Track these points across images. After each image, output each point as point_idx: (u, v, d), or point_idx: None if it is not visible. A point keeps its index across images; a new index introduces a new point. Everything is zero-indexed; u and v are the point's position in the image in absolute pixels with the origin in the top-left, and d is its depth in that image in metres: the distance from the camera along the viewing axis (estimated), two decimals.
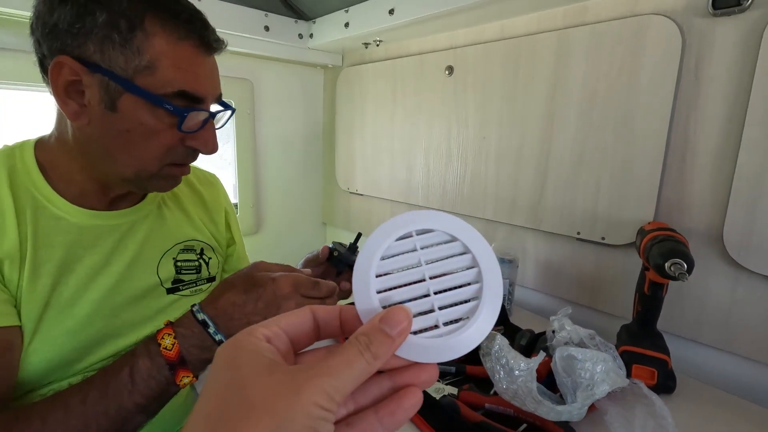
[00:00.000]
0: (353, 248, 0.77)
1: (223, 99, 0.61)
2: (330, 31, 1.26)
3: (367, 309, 0.25)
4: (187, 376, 0.51)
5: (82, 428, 0.46)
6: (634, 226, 0.81)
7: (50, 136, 0.59)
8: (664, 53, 0.76)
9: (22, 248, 0.53)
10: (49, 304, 0.54)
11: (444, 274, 0.27)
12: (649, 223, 0.76)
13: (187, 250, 0.70)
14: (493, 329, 0.75)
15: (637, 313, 0.71)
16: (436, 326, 0.26)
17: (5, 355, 0.50)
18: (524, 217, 1.00)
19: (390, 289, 0.26)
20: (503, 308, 0.90)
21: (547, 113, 0.93)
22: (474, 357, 0.62)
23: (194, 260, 0.70)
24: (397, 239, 0.27)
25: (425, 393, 0.61)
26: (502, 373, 0.54)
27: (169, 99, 0.51)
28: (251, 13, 1.20)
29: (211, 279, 0.73)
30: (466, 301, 0.26)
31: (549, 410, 0.50)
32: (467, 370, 0.70)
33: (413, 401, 0.24)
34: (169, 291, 0.67)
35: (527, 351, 0.73)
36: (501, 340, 0.58)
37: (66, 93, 0.50)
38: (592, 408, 0.54)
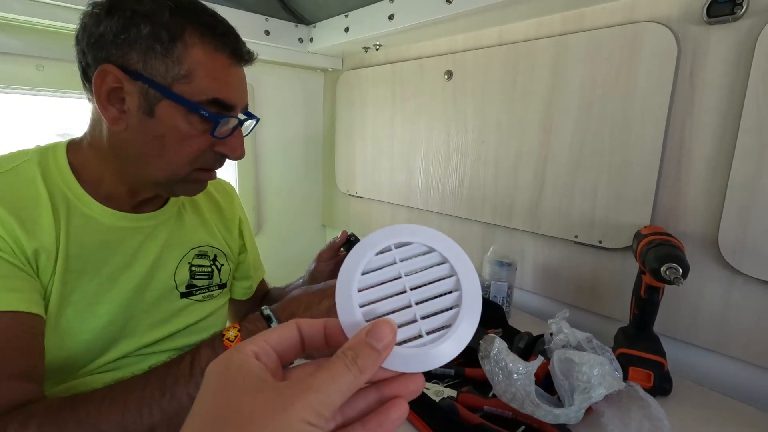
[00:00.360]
0: None
1: None
2: (330, 36, 1.27)
3: (351, 323, 0.26)
4: (233, 329, 0.53)
5: (136, 416, 0.47)
6: (631, 230, 0.82)
7: (82, 139, 0.61)
8: (660, 60, 0.77)
9: (57, 243, 0.55)
10: (73, 301, 0.55)
11: (424, 285, 0.28)
12: (645, 227, 0.77)
13: (202, 255, 0.71)
14: (491, 332, 0.76)
15: (634, 316, 0.72)
16: (420, 336, 0.26)
17: (36, 338, 0.51)
18: (522, 220, 1.01)
19: (373, 302, 0.27)
20: (502, 310, 0.91)
21: (545, 118, 0.94)
22: (473, 360, 0.63)
23: (207, 266, 0.71)
24: (377, 253, 0.28)
25: (424, 395, 0.62)
26: (500, 375, 0.55)
27: (204, 106, 0.54)
28: (252, 18, 1.21)
29: (222, 285, 0.74)
30: (447, 309, 0.27)
31: (546, 413, 0.51)
32: (466, 372, 0.70)
33: (400, 413, 0.25)
34: (183, 295, 0.68)
35: (525, 354, 0.74)
36: (500, 343, 0.58)
37: (108, 99, 0.53)
38: (589, 410, 0.55)
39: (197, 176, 0.60)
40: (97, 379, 0.57)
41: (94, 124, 0.59)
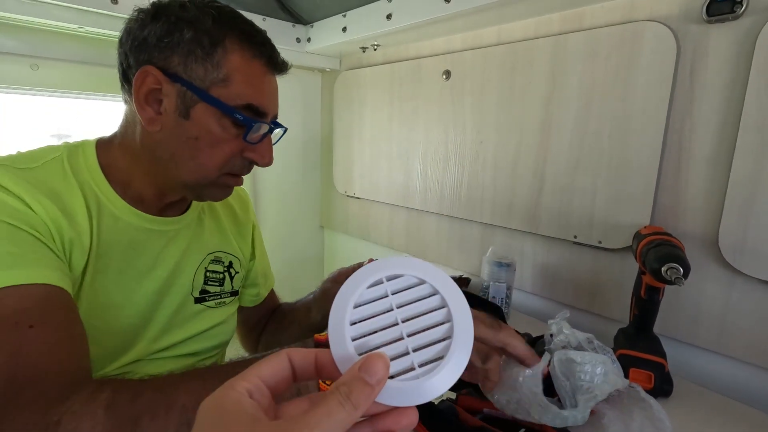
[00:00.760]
0: None
1: None
2: (328, 36, 1.26)
3: (344, 356, 0.26)
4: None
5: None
6: (631, 230, 0.81)
7: (112, 138, 0.62)
8: (660, 59, 0.76)
9: (90, 240, 0.55)
10: (99, 302, 0.55)
11: (416, 317, 0.28)
12: (645, 227, 0.76)
13: (216, 261, 0.71)
14: None
15: (634, 316, 0.72)
16: (413, 368, 0.26)
17: (75, 311, 0.50)
18: (521, 220, 1.01)
19: (365, 335, 0.27)
20: (501, 312, 0.90)
21: (544, 117, 0.94)
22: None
23: (221, 272, 0.71)
24: (369, 286, 0.28)
25: None
26: (504, 386, 0.53)
27: (238, 110, 0.56)
28: (249, 17, 1.20)
29: (234, 293, 0.74)
30: (439, 341, 0.27)
31: (554, 416, 0.50)
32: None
33: None
34: (197, 300, 0.68)
35: None
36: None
37: (146, 100, 0.55)
38: (591, 413, 0.54)
39: (225, 181, 0.61)
40: None
41: (127, 125, 0.60)
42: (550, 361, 0.59)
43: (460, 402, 0.62)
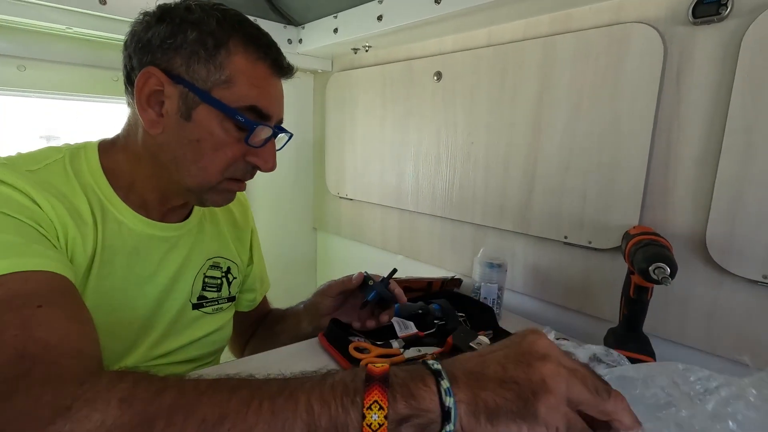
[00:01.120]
0: (386, 282, 0.76)
1: None
2: (319, 37, 1.26)
3: None
4: (379, 403, 0.34)
5: (253, 423, 0.35)
6: (620, 230, 0.82)
7: (114, 141, 0.61)
8: (647, 60, 0.77)
9: (95, 245, 0.54)
10: (100, 306, 0.54)
11: None
12: (634, 227, 0.77)
13: (215, 266, 0.71)
14: (482, 334, 0.75)
15: (624, 316, 0.72)
16: None
17: (82, 300, 0.48)
18: (512, 221, 1.01)
19: None
20: (492, 313, 0.90)
21: (534, 119, 0.94)
22: None
23: (218, 277, 0.71)
24: None
25: None
26: None
27: (241, 112, 0.55)
28: None
29: (231, 299, 0.73)
30: None
31: None
32: None
33: None
34: (195, 306, 0.67)
35: None
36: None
37: (147, 101, 0.54)
38: None
39: (227, 186, 0.60)
40: None
41: (130, 127, 0.60)
42: None
43: None
